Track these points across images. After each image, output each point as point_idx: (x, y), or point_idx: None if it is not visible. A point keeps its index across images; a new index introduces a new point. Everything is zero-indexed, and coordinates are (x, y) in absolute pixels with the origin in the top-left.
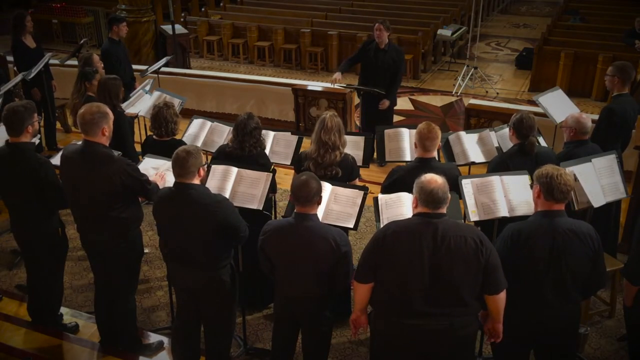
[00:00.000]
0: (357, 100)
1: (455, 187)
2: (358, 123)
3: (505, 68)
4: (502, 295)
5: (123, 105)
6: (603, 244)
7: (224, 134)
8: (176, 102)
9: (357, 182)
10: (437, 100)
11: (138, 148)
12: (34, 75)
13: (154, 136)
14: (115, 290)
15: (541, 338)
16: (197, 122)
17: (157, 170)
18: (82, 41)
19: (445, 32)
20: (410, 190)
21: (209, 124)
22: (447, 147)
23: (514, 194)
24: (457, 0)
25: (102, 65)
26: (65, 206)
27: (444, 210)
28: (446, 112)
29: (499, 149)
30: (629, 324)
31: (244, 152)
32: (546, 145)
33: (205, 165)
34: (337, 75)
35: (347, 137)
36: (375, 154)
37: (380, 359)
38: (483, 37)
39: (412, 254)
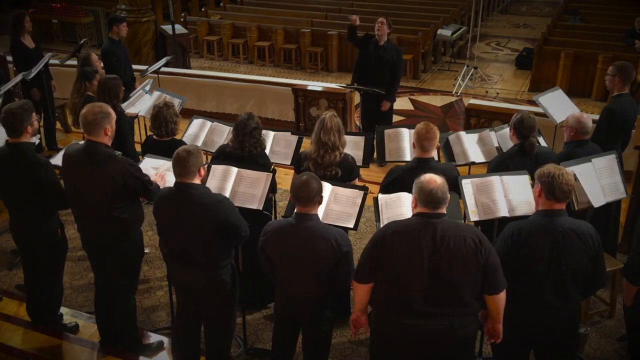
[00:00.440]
0: (357, 100)
1: (454, 187)
2: (358, 123)
3: (505, 68)
4: (502, 295)
5: (123, 105)
6: (603, 244)
7: (224, 134)
8: (176, 102)
9: (357, 182)
10: (437, 100)
11: (138, 148)
12: (34, 75)
13: (154, 136)
14: (116, 290)
15: (541, 338)
16: (197, 122)
17: (157, 170)
18: (82, 41)
19: (445, 32)
20: (408, 190)
21: (209, 124)
22: (447, 147)
23: (514, 194)
24: (457, 0)
25: (102, 64)
26: (65, 207)
27: (443, 210)
28: (446, 112)
29: (499, 149)
30: (629, 324)
31: (244, 152)
32: (546, 145)
33: (206, 165)
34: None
35: (347, 137)
36: (375, 154)
37: (380, 359)
38: (483, 37)
39: (412, 254)
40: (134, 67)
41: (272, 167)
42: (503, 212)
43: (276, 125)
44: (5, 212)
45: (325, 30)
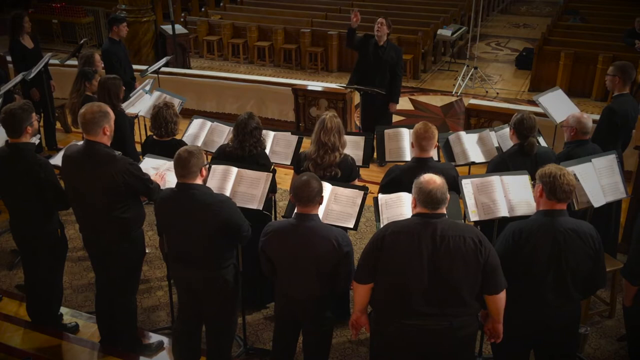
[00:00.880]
0: (357, 100)
1: (453, 187)
2: (358, 123)
3: (505, 68)
4: (502, 295)
5: (123, 105)
6: (603, 244)
7: (224, 134)
8: (176, 102)
9: (357, 183)
10: (437, 100)
11: (138, 148)
12: (34, 75)
13: (154, 136)
14: (117, 290)
15: (541, 337)
16: (197, 122)
17: (157, 170)
18: (82, 41)
19: (445, 32)
20: (407, 190)
21: (209, 124)
22: (447, 147)
23: (514, 194)
24: (457, 0)
25: (103, 65)
26: (66, 207)
27: (443, 210)
28: (446, 112)
29: (499, 149)
30: (629, 324)
31: (244, 151)
32: (546, 146)
33: (207, 165)
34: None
35: (347, 137)
36: (375, 154)
37: (380, 359)
38: (483, 37)
39: (412, 254)
40: (134, 67)
41: (272, 167)
42: (503, 212)
43: (276, 125)
44: (5, 212)
45: (325, 30)
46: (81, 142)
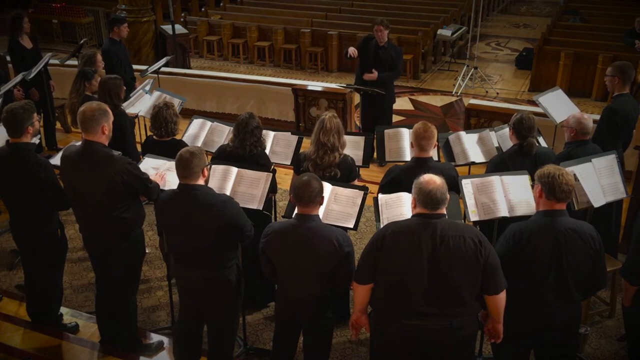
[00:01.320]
0: (357, 100)
1: (452, 187)
2: (358, 123)
3: (505, 68)
4: (502, 296)
5: (123, 105)
6: (604, 244)
7: (224, 134)
8: (176, 102)
9: (357, 183)
10: (437, 100)
11: (138, 148)
12: (34, 75)
13: (154, 136)
14: (117, 290)
15: (542, 337)
16: (197, 122)
17: (157, 170)
18: (82, 41)
19: (445, 32)
20: (406, 190)
21: (209, 124)
22: (447, 147)
23: (514, 194)
24: (457, 0)
25: (103, 65)
26: (66, 207)
27: (443, 210)
28: (446, 112)
29: (499, 149)
30: (628, 324)
31: (245, 151)
32: (546, 146)
33: (209, 166)
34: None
35: (347, 137)
36: (375, 154)
37: (380, 359)
38: (483, 37)
39: (412, 254)
40: (134, 67)
41: (272, 167)
42: (503, 212)
43: (276, 125)
44: (5, 212)
45: (325, 30)
46: (79, 143)
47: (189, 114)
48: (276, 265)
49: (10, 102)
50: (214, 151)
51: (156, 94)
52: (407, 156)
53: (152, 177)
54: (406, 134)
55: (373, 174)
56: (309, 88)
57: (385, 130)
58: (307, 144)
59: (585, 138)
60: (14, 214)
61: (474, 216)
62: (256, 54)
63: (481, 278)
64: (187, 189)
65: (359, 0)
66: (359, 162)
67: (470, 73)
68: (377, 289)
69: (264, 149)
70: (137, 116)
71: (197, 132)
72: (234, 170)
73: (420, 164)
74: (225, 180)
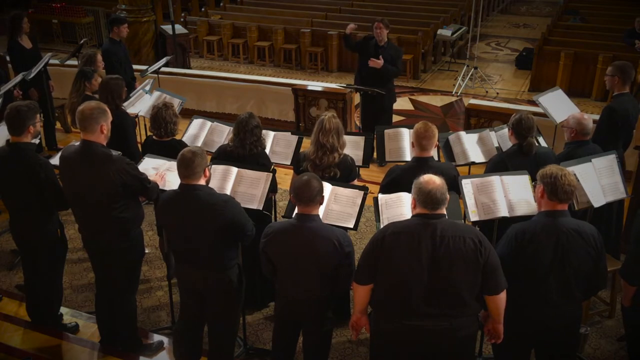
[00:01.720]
0: (357, 100)
1: (453, 187)
2: (358, 123)
3: (505, 68)
4: (502, 296)
5: (123, 105)
6: (605, 244)
7: (224, 134)
8: (176, 102)
9: (357, 183)
10: (437, 100)
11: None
12: (34, 75)
13: (154, 137)
14: (116, 290)
15: (542, 337)
16: (197, 122)
17: (157, 170)
18: (82, 41)
19: (445, 32)
20: (407, 190)
21: (209, 124)
22: (447, 147)
23: (514, 194)
24: (457, 0)
25: (103, 65)
26: (65, 207)
27: (442, 211)
28: (446, 112)
29: (498, 149)
30: (628, 324)
31: (245, 150)
32: (546, 146)
33: (210, 166)
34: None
35: (347, 137)
36: (375, 154)
37: (380, 359)
38: (483, 37)
39: (411, 255)
40: (134, 67)
41: (272, 167)
42: (503, 212)
43: (276, 125)
44: (5, 212)
45: (325, 30)
46: (78, 142)
47: (189, 114)
48: (276, 265)
49: (10, 102)
50: (214, 151)
51: (156, 94)
52: (407, 156)
53: (152, 177)
54: (406, 134)
55: (373, 174)
56: (309, 88)
57: (385, 130)
58: (307, 144)
59: (585, 138)
60: (14, 214)
61: (474, 216)
62: (256, 54)
63: (481, 278)
64: (188, 189)
65: (359, 0)
66: (359, 162)
67: (470, 73)
68: (377, 290)
69: (264, 148)
70: (137, 116)
71: (197, 132)
72: (234, 170)
73: (421, 164)
74: (225, 180)
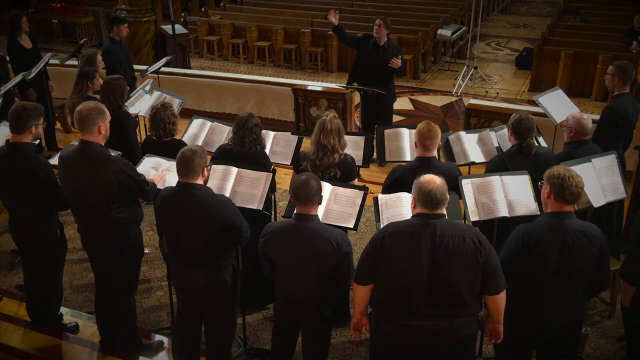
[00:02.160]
0: (357, 100)
1: (456, 187)
2: (358, 123)
3: (505, 68)
4: (502, 296)
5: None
6: None
7: (224, 133)
8: (176, 102)
9: (357, 183)
10: (437, 100)
11: None
12: (33, 75)
13: (154, 137)
14: (116, 290)
15: (544, 337)
16: (197, 122)
17: (158, 170)
18: (82, 41)
19: (445, 32)
20: (410, 190)
21: (209, 124)
22: (447, 147)
23: (514, 194)
24: (457, 0)
25: (103, 65)
26: (65, 207)
27: (442, 210)
28: (446, 112)
29: (499, 149)
30: (628, 325)
31: (244, 148)
32: (546, 146)
33: (210, 166)
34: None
35: (347, 137)
36: (375, 153)
37: (380, 359)
38: (483, 37)
39: (411, 255)
40: (134, 67)
41: (272, 167)
42: (503, 212)
43: (276, 125)
44: (5, 212)
45: (325, 30)
46: (76, 143)
47: (189, 114)
48: (275, 265)
49: (11, 102)
50: (213, 151)
51: (156, 94)
52: (407, 156)
53: (152, 177)
54: (406, 134)
55: (373, 174)
56: (309, 88)
57: (385, 130)
58: (307, 144)
59: (584, 138)
60: (14, 214)
61: (474, 216)
62: (256, 54)
63: (481, 278)
64: (186, 187)
65: (359, 0)
66: (359, 162)
67: (470, 73)
68: (377, 290)
69: (264, 147)
70: (137, 116)
71: (197, 132)
72: (234, 170)
73: (424, 164)
74: (225, 180)
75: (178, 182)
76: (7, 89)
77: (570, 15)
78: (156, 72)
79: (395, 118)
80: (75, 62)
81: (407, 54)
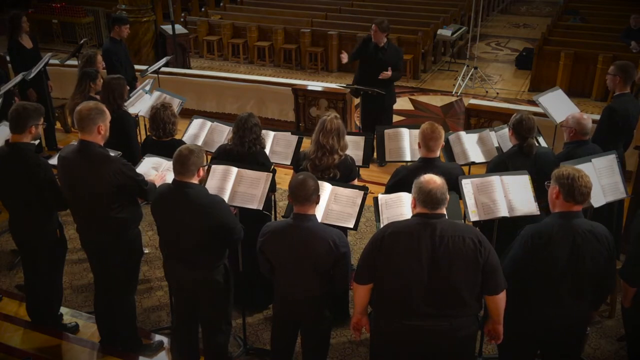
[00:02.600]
0: (357, 100)
1: (456, 187)
2: (358, 123)
3: (505, 68)
4: (502, 296)
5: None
6: None
7: (224, 133)
8: (176, 102)
9: (357, 183)
10: (437, 100)
11: None
12: (33, 75)
13: (153, 137)
14: (115, 290)
15: (549, 338)
16: (197, 122)
17: (158, 170)
18: (82, 41)
19: (445, 32)
20: None
21: (209, 124)
22: (447, 147)
23: (514, 194)
24: (457, 0)
25: (104, 65)
26: (64, 208)
27: (442, 210)
28: (446, 112)
29: (499, 149)
30: (628, 325)
31: (244, 147)
32: (546, 146)
33: (206, 166)
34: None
35: (347, 137)
36: (375, 154)
37: (380, 359)
38: (483, 37)
39: (411, 255)
40: (134, 67)
41: (272, 167)
42: (503, 212)
43: (276, 125)
44: (5, 212)
45: (325, 30)
46: (76, 143)
47: (189, 114)
48: (274, 265)
49: (11, 102)
50: (213, 151)
51: (156, 94)
52: (407, 156)
53: (152, 177)
54: (406, 134)
55: (373, 174)
56: (309, 88)
57: (385, 130)
58: (307, 144)
59: (584, 138)
60: (14, 214)
61: (474, 216)
62: (256, 54)
63: (481, 278)
64: (180, 185)
65: (359, 0)
66: (359, 162)
67: (470, 73)
68: (377, 289)
69: (264, 147)
70: (137, 116)
71: (197, 132)
72: (234, 170)
73: (427, 164)
74: (225, 180)
75: (173, 180)
76: (7, 89)
77: (570, 15)
78: (156, 72)
79: (396, 118)
80: (75, 62)
81: (407, 54)
